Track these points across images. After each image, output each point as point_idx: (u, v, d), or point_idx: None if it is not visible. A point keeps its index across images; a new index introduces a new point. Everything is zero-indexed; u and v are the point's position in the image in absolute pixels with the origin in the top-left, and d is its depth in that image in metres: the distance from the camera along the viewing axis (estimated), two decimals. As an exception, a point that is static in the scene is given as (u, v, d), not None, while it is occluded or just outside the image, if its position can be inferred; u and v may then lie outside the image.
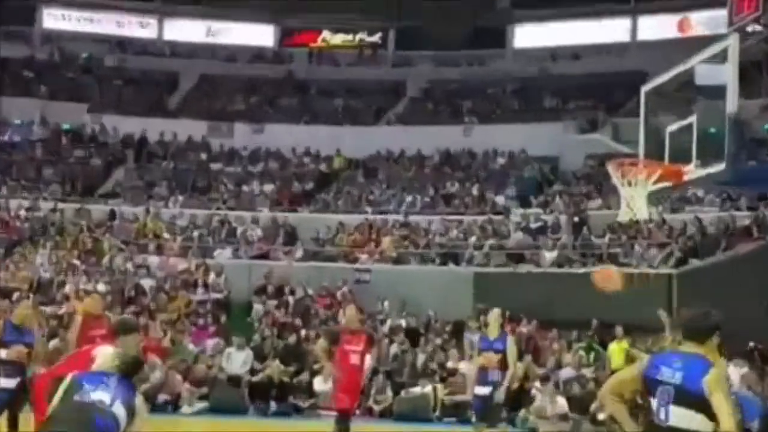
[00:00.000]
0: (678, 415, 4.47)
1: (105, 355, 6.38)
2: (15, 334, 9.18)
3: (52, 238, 23.27)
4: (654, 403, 4.54)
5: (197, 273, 21.64)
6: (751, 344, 14.59)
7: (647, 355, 4.86)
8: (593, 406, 14.42)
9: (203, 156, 29.38)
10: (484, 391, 9.52)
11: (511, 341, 9.94)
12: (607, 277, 10.46)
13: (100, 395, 5.00)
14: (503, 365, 9.62)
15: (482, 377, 9.60)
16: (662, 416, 4.51)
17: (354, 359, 9.90)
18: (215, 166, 28.87)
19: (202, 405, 15.36)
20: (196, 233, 24.39)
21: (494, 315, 9.89)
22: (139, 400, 5.16)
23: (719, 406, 4.42)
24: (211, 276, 21.46)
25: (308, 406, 15.92)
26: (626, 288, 10.47)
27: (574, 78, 30.37)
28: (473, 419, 10.08)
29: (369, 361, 10.51)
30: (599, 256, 20.59)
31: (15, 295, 19.87)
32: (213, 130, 30.23)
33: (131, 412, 5.03)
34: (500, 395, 9.57)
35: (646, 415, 4.74)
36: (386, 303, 20.40)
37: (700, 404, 4.45)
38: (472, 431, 9.85)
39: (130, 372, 5.21)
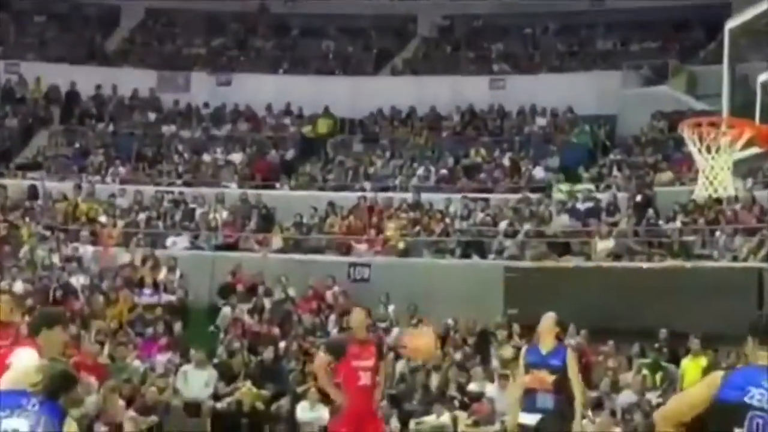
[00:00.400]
0: None
1: (23, 364, 6.42)
2: None
3: (-46, 222, 23.34)
4: None
5: (144, 268, 21.70)
6: None
7: (721, 372, 4.73)
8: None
9: (151, 116, 29.40)
10: (531, 420, 9.34)
11: (572, 356, 9.66)
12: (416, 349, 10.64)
13: (16, 423, 4.98)
14: (558, 388, 9.40)
15: (529, 402, 9.38)
16: None
17: (364, 379, 9.64)
18: (167, 129, 28.88)
19: (149, 440, 15.44)
20: (141, 216, 24.43)
21: (547, 322, 9.67)
22: (69, 424, 5.14)
23: None
24: (162, 272, 21.53)
25: (288, 440, 15.99)
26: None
27: (636, 13, 30.23)
28: None
29: (381, 381, 10.21)
30: (669, 246, 20.58)
31: None
32: (164, 82, 30.22)
33: None
34: (577, 428, 9.34)
35: None
36: (391, 308, 20.43)
37: None
38: None
39: (57, 391, 5.20)
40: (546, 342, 9.57)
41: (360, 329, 9.98)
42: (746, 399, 4.45)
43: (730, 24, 12.00)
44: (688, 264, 19.55)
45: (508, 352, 17.72)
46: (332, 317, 20.55)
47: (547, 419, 9.29)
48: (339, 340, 11.21)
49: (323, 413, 16.14)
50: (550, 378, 9.35)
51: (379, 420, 10.02)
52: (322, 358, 10.11)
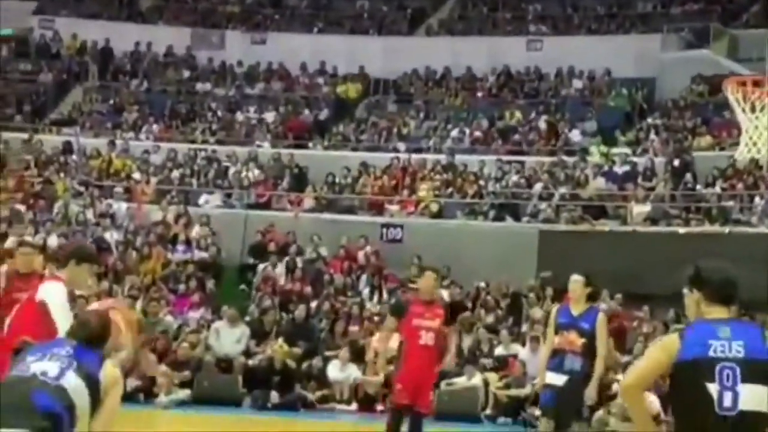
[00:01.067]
0: (750, 395, 4.46)
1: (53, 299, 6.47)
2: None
3: (-12, 176, 23.49)
4: (713, 388, 4.47)
5: (177, 225, 21.76)
6: None
7: (675, 335, 4.67)
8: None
9: (186, 73, 29.40)
10: (558, 380, 9.29)
11: (602, 319, 9.52)
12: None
13: (44, 366, 4.95)
14: (586, 351, 9.27)
15: (556, 363, 9.30)
16: (728, 403, 4.47)
17: (425, 338, 9.64)
18: (201, 87, 28.90)
19: (183, 394, 15.53)
20: (175, 173, 24.49)
21: (576, 284, 9.56)
22: (109, 369, 5.11)
23: None
24: (195, 229, 21.58)
25: (320, 398, 16.05)
26: None
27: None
28: (538, 418, 9.89)
29: (452, 345, 10.19)
30: (707, 211, 20.43)
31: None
32: (198, 39, 30.20)
33: (93, 386, 4.98)
34: (591, 393, 9.31)
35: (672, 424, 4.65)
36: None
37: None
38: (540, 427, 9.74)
39: (92, 340, 5.18)
40: (578, 304, 9.48)
41: (427, 291, 9.93)
42: (710, 353, 4.48)
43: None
44: (726, 229, 19.41)
45: (538, 313, 17.71)
46: (364, 277, 20.57)
47: (574, 381, 9.23)
48: (401, 301, 11.20)
49: (354, 372, 16.22)
50: (580, 341, 9.28)
51: (432, 384, 9.99)
52: (389, 323, 10.32)
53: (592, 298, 9.71)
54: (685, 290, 4.79)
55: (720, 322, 4.59)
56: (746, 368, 4.46)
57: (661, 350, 4.63)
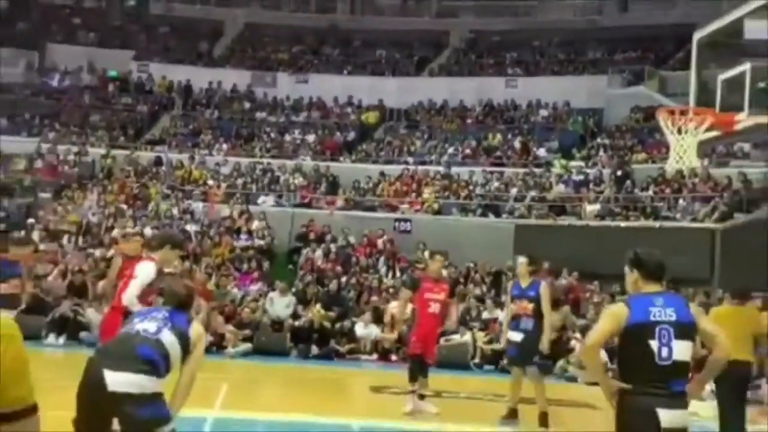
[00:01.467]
0: (680, 349, 4.58)
1: (146, 273, 6.45)
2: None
3: (100, 182, 23.54)
4: (654, 344, 4.54)
5: (240, 220, 21.76)
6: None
7: (621, 305, 4.77)
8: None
9: (247, 105, 29.42)
10: (517, 337, 9.35)
11: (544, 288, 9.42)
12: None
13: (146, 325, 4.95)
14: (537, 313, 9.27)
15: (515, 324, 9.36)
16: (665, 354, 4.58)
17: (434, 308, 9.66)
18: (259, 115, 28.89)
19: (245, 347, 15.52)
20: (239, 181, 24.49)
21: (522, 263, 9.60)
22: (196, 327, 5.10)
23: (709, 328, 4.74)
24: (255, 223, 21.57)
25: (348, 350, 16.02)
26: None
27: (620, 30, 29.71)
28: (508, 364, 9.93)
29: (454, 313, 10.19)
30: (642, 210, 20.29)
31: (64, 238, 20.23)
32: (257, 79, 30.19)
33: (184, 340, 4.97)
34: (544, 344, 9.32)
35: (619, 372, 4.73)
36: (426, 253, 20.30)
37: (694, 333, 4.67)
38: (512, 375, 9.71)
39: (180, 305, 5.18)
40: (525, 279, 9.47)
41: (435, 271, 9.89)
42: (651, 318, 4.59)
43: (697, 35, 11.69)
44: (657, 224, 19.26)
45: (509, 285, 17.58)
46: (381, 259, 20.52)
47: (528, 337, 9.28)
48: (414, 278, 11.24)
49: (375, 330, 16.18)
50: (529, 306, 9.26)
51: (436, 341, 10.04)
52: (404, 294, 10.24)
53: (535, 272, 9.61)
54: (626, 270, 4.85)
55: (655, 294, 4.69)
56: (677, 329, 4.59)
57: (613, 317, 4.71)
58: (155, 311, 5.16)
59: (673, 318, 4.60)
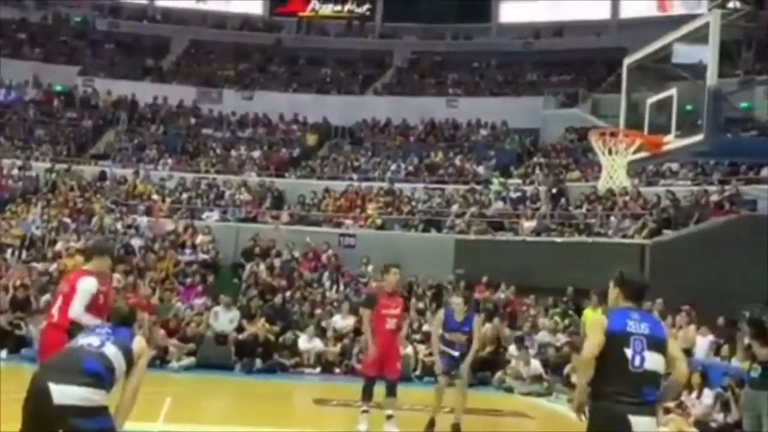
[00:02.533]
0: (651, 360, 4.93)
1: (87, 288, 6.38)
2: None
3: (44, 196, 23.08)
4: (628, 352, 4.91)
5: (185, 234, 21.52)
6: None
7: (602, 317, 5.17)
8: (567, 368, 14.56)
9: (193, 120, 29.16)
10: (454, 353, 9.56)
11: (477, 322, 9.86)
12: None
13: (90, 339, 4.95)
14: (469, 342, 9.65)
15: (452, 346, 9.60)
16: (637, 363, 4.92)
17: (390, 324, 9.35)
18: (205, 131, 28.67)
19: (189, 361, 15.32)
20: (184, 195, 24.24)
21: (458, 302, 9.80)
22: (138, 341, 5.08)
23: (676, 349, 5.16)
24: (199, 237, 21.36)
25: (293, 364, 15.93)
26: None
27: (555, 54, 30.33)
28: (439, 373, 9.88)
29: (405, 328, 9.89)
30: (576, 226, 20.62)
31: (8, 252, 19.77)
32: (203, 95, 29.98)
33: (127, 353, 4.94)
34: (465, 367, 9.60)
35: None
36: (370, 267, 20.39)
37: (665, 349, 5.05)
38: (437, 384, 9.76)
39: (125, 321, 5.15)
40: (459, 313, 9.67)
41: (392, 285, 9.49)
42: (627, 328, 4.96)
43: (628, 60, 12.01)
44: (590, 239, 19.57)
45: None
46: (326, 273, 20.50)
47: (462, 354, 9.61)
48: (370, 295, 10.78)
49: (319, 344, 16.13)
50: (464, 337, 9.61)
51: (399, 357, 9.70)
52: (367, 314, 9.63)
53: (469, 306, 9.91)
54: (611, 285, 5.28)
55: (631, 310, 5.09)
56: (650, 341, 4.97)
57: (599, 329, 5.03)
58: (98, 327, 5.15)
59: (647, 331, 4.98)
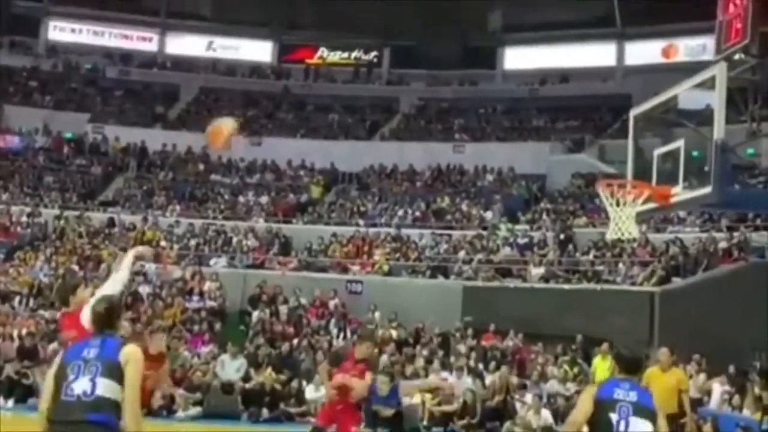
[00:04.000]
0: (636, 425, 5.31)
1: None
2: None
3: (52, 243, 23.13)
4: (614, 417, 5.33)
5: (192, 281, 21.50)
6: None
7: (594, 386, 5.71)
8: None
9: (201, 167, 29.31)
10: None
11: (402, 388, 10.74)
12: (217, 135, 8.61)
13: (82, 385, 4.84)
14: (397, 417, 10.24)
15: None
16: (622, 428, 5.33)
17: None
18: (213, 177, 28.79)
19: (196, 411, 15.22)
20: (192, 242, 24.27)
21: (384, 381, 10.22)
22: (126, 349, 4.95)
23: (662, 419, 5.54)
24: (207, 284, 21.33)
25: (299, 413, 15.80)
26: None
27: (561, 100, 30.48)
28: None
29: (359, 385, 9.14)
30: (584, 273, 20.54)
31: (15, 299, 19.77)
32: (211, 141, 30.10)
33: (117, 373, 4.85)
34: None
35: None
36: (377, 314, 20.29)
37: (653, 416, 5.42)
38: None
39: (106, 323, 5.08)
40: (383, 390, 9.98)
41: (359, 353, 9.19)
42: (614, 396, 5.42)
43: (634, 112, 12.06)
44: (599, 287, 19.49)
45: (462, 348, 17.63)
46: (333, 320, 20.40)
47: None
48: (339, 354, 10.93)
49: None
50: (391, 411, 10.10)
51: (355, 413, 9.25)
52: (324, 365, 10.14)
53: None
54: (598, 357, 5.96)
55: (622, 380, 5.55)
56: (636, 408, 5.36)
57: (589, 396, 5.51)
58: (85, 348, 4.99)
59: (634, 399, 5.38)
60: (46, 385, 5.13)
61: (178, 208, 26.53)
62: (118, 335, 5.12)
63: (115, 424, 4.81)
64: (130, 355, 4.95)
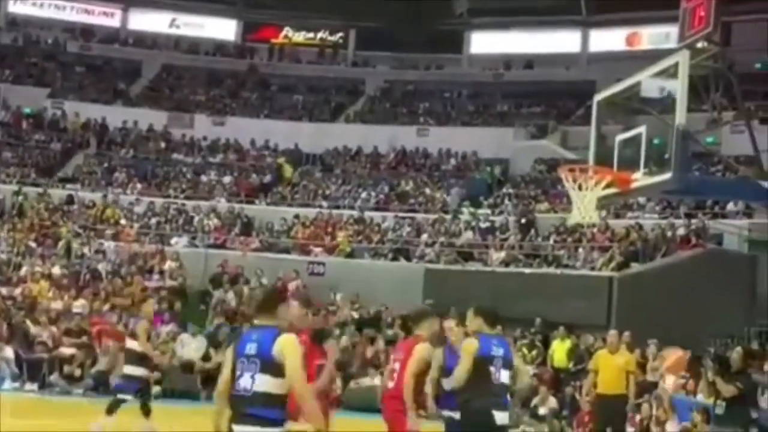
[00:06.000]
0: (507, 374, 6.76)
1: None
2: None
3: (10, 220, 22.73)
4: (493, 369, 6.59)
5: (153, 260, 21.29)
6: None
7: (473, 341, 6.71)
8: (535, 401, 14.55)
9: (163, 145, 28.96)
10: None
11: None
12: None
13: (244, 382, 4.98)
14: None
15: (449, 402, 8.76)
16: (502, 378, 6.67)
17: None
18: (175, 156, 28.47)
19: (154, 390, 15.01)
20: (153, 221, 24.01)
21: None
22: (280, 341, 4.96)
23: (521, 363, 7.29)
24: (167, 263, 21.14)
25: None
26: None
27: (526, 85, 30.59)
28: None
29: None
30: (545, 257, 20.71)
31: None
32: (173, 120, 29.80)
33: (273, 367, 4.93)
34: None
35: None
36: (338, 295, 20.29)
37: (512, 365, 6.90)
38: None
39: (263, 308, 5.25)
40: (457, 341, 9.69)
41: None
42: (492, 352, 6.67)
43: (598, 97, 12.11)
44: (558, 271, 19.65)
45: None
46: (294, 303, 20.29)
47: None
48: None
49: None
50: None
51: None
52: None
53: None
54: (470, 315, 6.83)
55: (492, 337, 6.79)
56: (504, 361, 6.70)
57: (469, 354, 6.58)
58: (248, 342, 5.08)
59: (501, 353, 6.69)
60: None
61: (139, 186, 26.20)
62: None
63: (278, 414, 4.88)
64: (285, 345, 4.92)
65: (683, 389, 13.66)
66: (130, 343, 10.39)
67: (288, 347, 4.90)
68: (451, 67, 32.78)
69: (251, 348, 4.93)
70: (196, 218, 24.10)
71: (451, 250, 21.88)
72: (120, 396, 10.27)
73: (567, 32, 31.85)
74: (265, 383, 4.84)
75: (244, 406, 4.84)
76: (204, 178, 27.17)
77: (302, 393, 4.89)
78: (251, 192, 26.45)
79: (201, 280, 21.44)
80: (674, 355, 13.93)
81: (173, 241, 23.00)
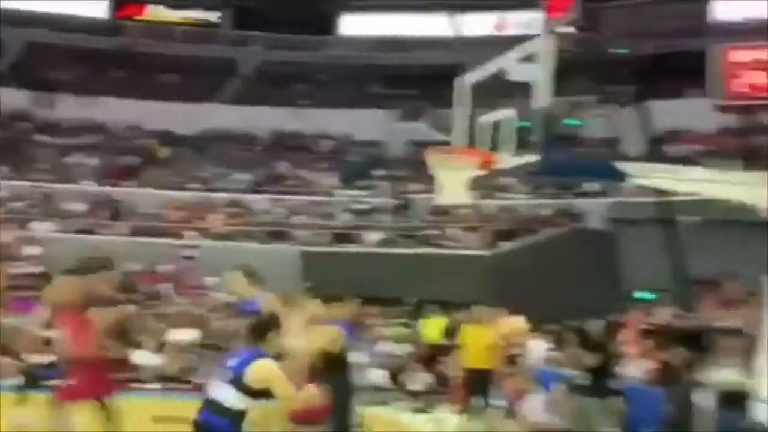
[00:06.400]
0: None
1: None
2: None
3: None
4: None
5: (17, 245, 20.32)
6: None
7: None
8: (402, 377, 14.76)
9: (26, 126, 27.59)
10: None
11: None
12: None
13: (217, 393, 5.41)
14: None
15: None
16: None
17: None
18: (38, 138, 27.19)
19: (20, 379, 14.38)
20: (18, 204, 22.96)
21: None
22: (256, 365, 5.35)
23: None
24: (31, 249, 20.22)
25: (127, 379, 15.26)
26: None
27: (399, 69, 30.78)
28: None
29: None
30: (418, 238, 21.00)
31: None
32: (37, 100, 28.43)
33: (242, 385, 5.30)
34: None
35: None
36: (212, 279, 19.94)
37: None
38: None
39: (256, 333, 5.68)
40: None
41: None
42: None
43: (460, 80, 12.24)
44: (431, 251, 19.95)
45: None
46: (166, 286, 19.89)
47: None
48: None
49: (156, 360, 15.56)
50: None
51: None
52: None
53: None
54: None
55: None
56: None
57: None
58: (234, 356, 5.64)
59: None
60: None
61: (3, 169, 24.91)
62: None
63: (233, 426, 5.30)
64: (264, 370, 5.35)
65: (551, 362, 14.14)
66: None
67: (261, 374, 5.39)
68: (327, 49, 32.65)
69: None
70: (63, 202, 23.13)
71: (327, 232, 21.87)
72: None
73: (439, 15, 32.24)
74: None
75: None
76: (70, 160, 26.10)
77: None
78: (121, 175, 25.61)
79: (68, 266, 20.58)
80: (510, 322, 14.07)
81: (33, 225, 21.98)
